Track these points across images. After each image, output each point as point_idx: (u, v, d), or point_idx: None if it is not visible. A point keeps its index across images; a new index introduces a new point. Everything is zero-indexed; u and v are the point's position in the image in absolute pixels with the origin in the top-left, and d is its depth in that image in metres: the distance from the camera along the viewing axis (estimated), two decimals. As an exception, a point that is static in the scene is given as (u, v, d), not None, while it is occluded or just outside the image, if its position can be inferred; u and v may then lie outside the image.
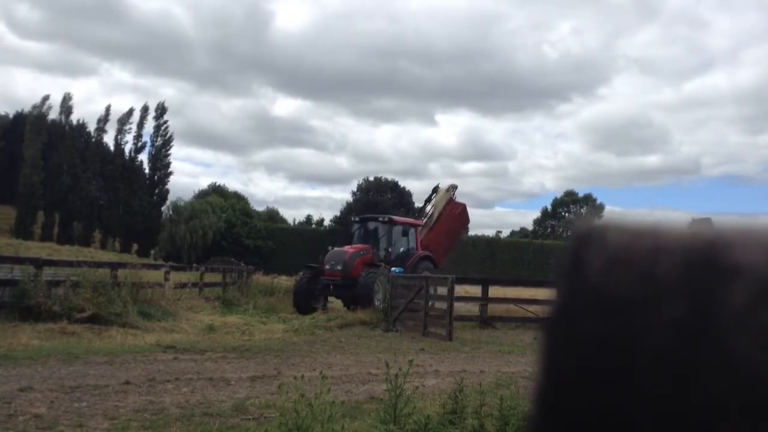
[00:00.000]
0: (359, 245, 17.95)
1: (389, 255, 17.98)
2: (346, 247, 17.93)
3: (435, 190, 20.82)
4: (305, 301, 16.68)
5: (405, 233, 18.86)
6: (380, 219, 18.92)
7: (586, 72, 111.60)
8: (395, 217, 19.77)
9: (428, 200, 20.95)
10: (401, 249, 18.60)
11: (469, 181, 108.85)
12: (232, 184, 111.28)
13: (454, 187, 21.04)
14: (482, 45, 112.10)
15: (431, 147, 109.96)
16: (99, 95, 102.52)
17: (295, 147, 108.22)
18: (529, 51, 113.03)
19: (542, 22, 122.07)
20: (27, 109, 55.65)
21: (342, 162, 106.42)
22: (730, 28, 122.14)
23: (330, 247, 18.76)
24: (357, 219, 19.85)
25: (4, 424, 4.78)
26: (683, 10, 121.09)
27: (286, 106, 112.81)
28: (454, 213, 20.77)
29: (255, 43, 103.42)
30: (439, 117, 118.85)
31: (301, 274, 17.84)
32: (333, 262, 17.07)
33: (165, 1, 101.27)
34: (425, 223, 20.17)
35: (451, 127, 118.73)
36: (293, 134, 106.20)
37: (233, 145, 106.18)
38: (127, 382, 6.42)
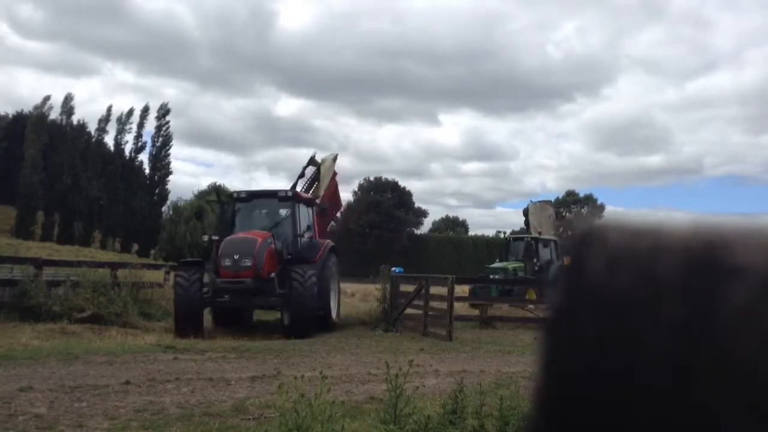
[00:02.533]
0: (259, 232, 12.39)
1: (297, 243, 12.80)
2: (250, 234, 12.27)
3: (312, 161, 15.28)
4: (195, 316, 11.28)
5: (309, 214, 13.73)
6: (279, 194, 13.22)
7: (589, 72, 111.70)
8: (300, 192, 13.92)
9: (301, 175, 15.27)
10: (306, 235, 13.39)
11: (471, 181, 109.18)
12: (234, 183, 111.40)
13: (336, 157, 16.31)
14: (486, 45, 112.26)
15: (433, 147, 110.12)
16: (101, 95, 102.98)
17: (297, 147, 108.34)
18: (533, 51, 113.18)
19: (546, 22, 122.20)
20: (29, 109, 55.80)
21: (344, 162, 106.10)
22: (734, 28, 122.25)
23: (208, 237, 13.20)
24: (242, 195, 13.36)
25: (4, 424, 4.78)
26: (688, 10, 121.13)
27: (288, 106, 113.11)
28: (336, 188, 16.04)
29: (258, 43, 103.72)
30: (443, 117, 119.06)
31: (178, 274, 11.86)
32: (237, 256, 11.53)
33: (168, 1, 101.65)
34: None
35: (454, 127, 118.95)
36: (295, 134, 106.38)
37: (235, 145, 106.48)
38: (127, 382, 6.42)
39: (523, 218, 24.32)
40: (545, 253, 20.67)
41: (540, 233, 21.15)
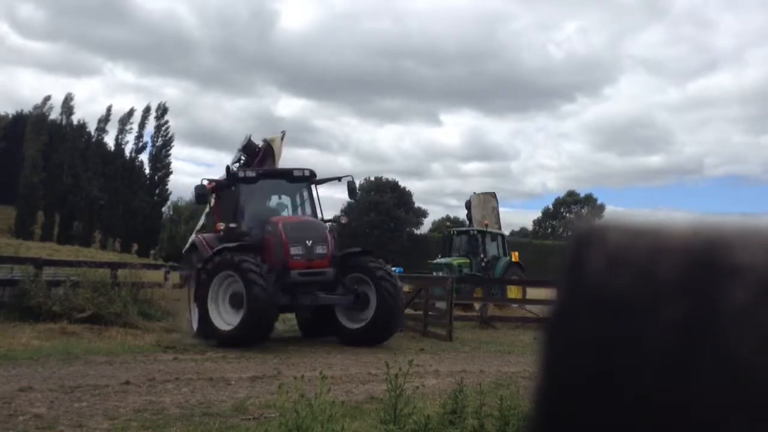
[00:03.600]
0: (301, 217, 10.82)
1: None
2: (304, 217, 10.66)
3: (249, 144, 12.71)
4: (270, 323, 9.39)
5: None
6: (295, 173, 11.13)
7: (591, 72, 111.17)
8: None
9: (238, 159, 12.59)
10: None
11: (472, 181, 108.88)
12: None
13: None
14: (487, 45, 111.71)
15: (434, 147, 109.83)
16: (102, 95, 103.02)
17: (297, 147, 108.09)
18: (535, 51, 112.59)
19: (548, 22, 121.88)
20: (29, 109, 55.88)
21: (344, 162, 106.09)
22: (735, 28, 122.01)
23: (224, 224, 10.48)
24: (249, 174, 10.94)
25: (4, 424, 4.79)
26: (689, 9, 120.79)
27: (289, 106, 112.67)
28: None
29: (259, 43, 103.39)
30: (443, 117, 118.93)
31: (247, 265, 9.26)
32: (309, 242, 9.73)
33: (169, 1, 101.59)
34: None
35: (455, 127, 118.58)
36: (296, 134, 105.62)
37: (236, 145, 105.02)
38: (127, 382, 6.42)
39: (466, 211, 21.82)
40: (492, 248, 19.41)
41: (486, 226, 19.73)
